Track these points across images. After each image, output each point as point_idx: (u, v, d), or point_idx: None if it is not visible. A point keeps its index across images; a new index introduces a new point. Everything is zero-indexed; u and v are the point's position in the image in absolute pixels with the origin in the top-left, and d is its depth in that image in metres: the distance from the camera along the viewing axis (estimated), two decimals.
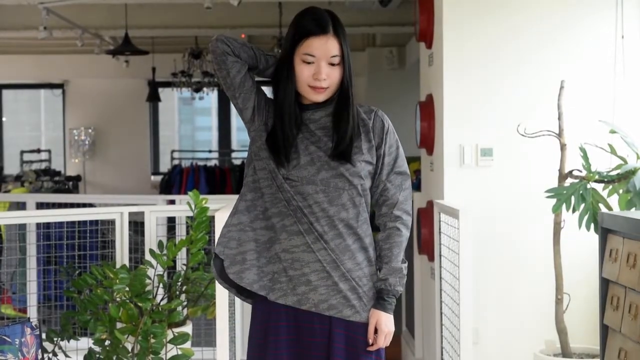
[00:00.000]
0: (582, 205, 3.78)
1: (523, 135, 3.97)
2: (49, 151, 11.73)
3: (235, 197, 2.63)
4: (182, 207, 4.39)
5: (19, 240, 5.59)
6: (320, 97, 2.48)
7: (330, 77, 2.45)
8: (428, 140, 4.67)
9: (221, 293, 3.47)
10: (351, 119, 2.48)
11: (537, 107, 4.32)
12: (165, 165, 12.04)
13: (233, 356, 3.69)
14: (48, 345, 4.06)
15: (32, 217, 4.68)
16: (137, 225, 4.69)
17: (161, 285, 4.08)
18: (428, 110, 4.65)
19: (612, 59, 4.36)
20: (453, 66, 4.39)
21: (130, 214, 4.38)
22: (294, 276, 2.46)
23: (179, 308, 4.04)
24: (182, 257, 4.55)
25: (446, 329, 4.11)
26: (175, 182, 10.23)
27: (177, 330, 3.95)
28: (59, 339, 4.10)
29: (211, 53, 2.50)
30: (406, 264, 2.53)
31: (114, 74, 11.21)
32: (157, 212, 4.46)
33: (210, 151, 12.44)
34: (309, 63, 2.45)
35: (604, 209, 3.75)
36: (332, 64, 2.45)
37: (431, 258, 4.57)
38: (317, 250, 2.45)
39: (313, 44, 2.44)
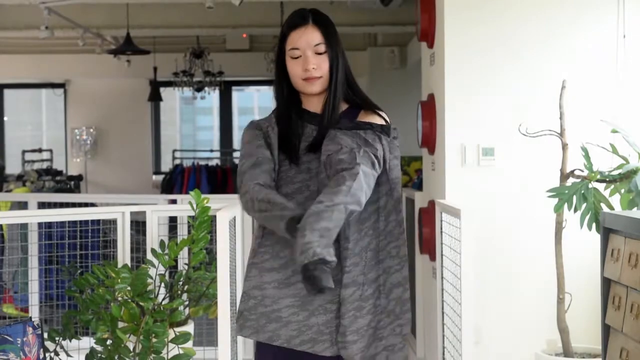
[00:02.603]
0: (584, 205, 3.78)
1: (525, 134, 3.96)
2: (50, 151, 11.74)
3: (236, 196, 2.63)
4: (183, 206, 4.39)
5: (21, 240, 5.60)
6: (315, 88, 2.48)
7: (320, 67, 2.46)
8: (429, 139, 4.66)
9: (223, 292, 3.47)
10: (331, 106, 2.47)
11: (539, 106, 4.32)
12: (166, 165, 12.05)
13: (235, 356, 3.69)
14: (50, 345, 4.06)
15: (33, 216, 4.68)
16: (138, 225, 4.69)
17: (163, 284, 4.08)
18: (429, 109, 4.65)
19: (613, 59, 4.36)
20: (454, 66, 4.39)
21: (131, 213, 4.38)
22: (264, 313, 2.44)
23: (181, 307, 4.04)
24: (183, 256, 4.55)
25: (448, 328, 4.10)
26: (176, 181, 10.24)
27: (178, 329, 3.95)
28: (61, 338, 4.10)
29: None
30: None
31: (115, 74, 11.21)
32: (158, 211, 4.46)
33: (211, 150, 12.45)
34: (297, 58, 2.46)
35: (605, 209, 3.74)
36: (319, 53, 2.46)
37: (433, 258, 4.57)
38: (294, 283, 2.41)
39: (294, 37, 2.47)
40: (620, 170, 3.78)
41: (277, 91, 2.54)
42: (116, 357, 3.87)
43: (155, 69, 10.72)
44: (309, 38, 2.46)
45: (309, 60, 2.45)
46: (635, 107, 4.36)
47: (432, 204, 4.60)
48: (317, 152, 2.46)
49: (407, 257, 2.50)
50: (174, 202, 6.08)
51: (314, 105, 2.53)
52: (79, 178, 10.89)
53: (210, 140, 13.33)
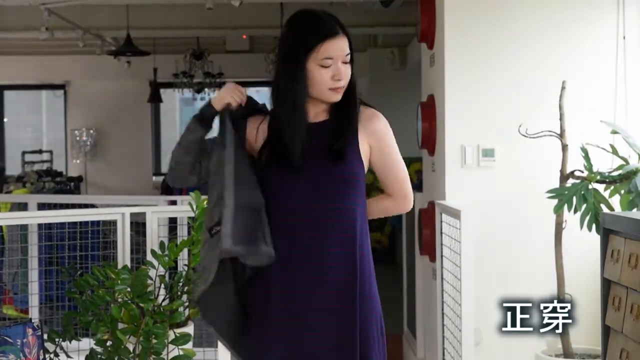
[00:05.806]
0: (584, 206, 3.78)
1: (524, 135, 3.97)
2: (50, 152, 11.74)
3: None
4: (183, 207, 4.39)
5: (21, 241, 5.60)
6: (338, 97, 2.47)
7: (346, 76, 2.46)
8: (429, 140, 4.66)
9: None
10: (353, 114, 2.49)
11: (539, 107, 4.31)
12: (166, 166, 12.02)
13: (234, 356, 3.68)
14: (50, 346, 4.06)
15: (33, 217, 4.69)
16: (138, 226, 4.69)
17: (163, 285, 4.08)
18: (429, 110, 4.65)
19: (613, 60, 4.36)
20: (454, 67, 4.39)
21: (131, 214, 4.38)
22: None
23: (181, 309, 4.03)
24: (183, 257, 4.55)
25: (448, 329, 4.11)
26: None
27: (178, 330, 3.95)
28: (61, 339, 4.10)
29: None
30: None
31: (115, 75, 11.21)
32: (158, 212, 4.46)
33: None
34: (327, 67, 2.42)
35: (605, 210, 3.74)
36: (345, 63, 2.45)
37: (432, 259, 4.57)
38: None
39: (331, 47, 2.41)
40: (620, 171, 3.79)
41: (292, 98, 2.46)
42: (116, 358, 3.87)
43: (155, 70, 10.72)
44: (342, 49, 2.43)
45: (341, 70, 2.43)
46: (635, 107, 4.35)
47: (432, 205, 4.60)
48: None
49: None
50: (174, 203, 6.08)
51: (319, 112, 2.51)
52: (79, 179, 10.89)
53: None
